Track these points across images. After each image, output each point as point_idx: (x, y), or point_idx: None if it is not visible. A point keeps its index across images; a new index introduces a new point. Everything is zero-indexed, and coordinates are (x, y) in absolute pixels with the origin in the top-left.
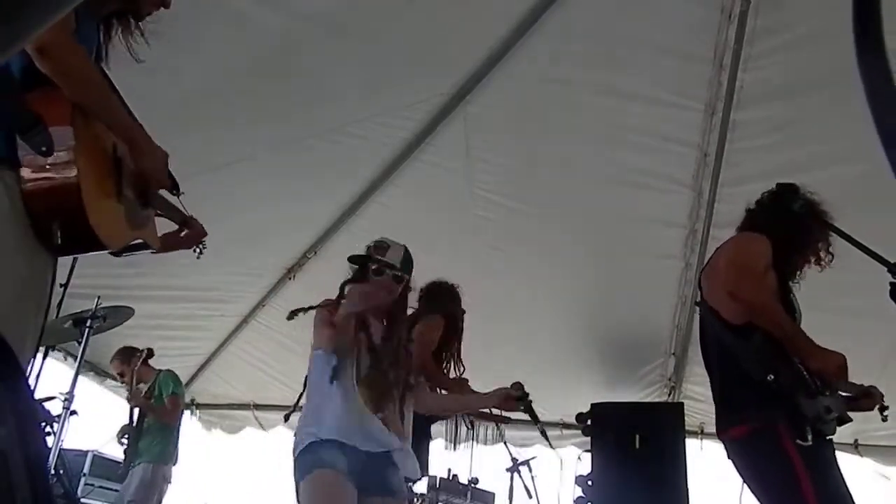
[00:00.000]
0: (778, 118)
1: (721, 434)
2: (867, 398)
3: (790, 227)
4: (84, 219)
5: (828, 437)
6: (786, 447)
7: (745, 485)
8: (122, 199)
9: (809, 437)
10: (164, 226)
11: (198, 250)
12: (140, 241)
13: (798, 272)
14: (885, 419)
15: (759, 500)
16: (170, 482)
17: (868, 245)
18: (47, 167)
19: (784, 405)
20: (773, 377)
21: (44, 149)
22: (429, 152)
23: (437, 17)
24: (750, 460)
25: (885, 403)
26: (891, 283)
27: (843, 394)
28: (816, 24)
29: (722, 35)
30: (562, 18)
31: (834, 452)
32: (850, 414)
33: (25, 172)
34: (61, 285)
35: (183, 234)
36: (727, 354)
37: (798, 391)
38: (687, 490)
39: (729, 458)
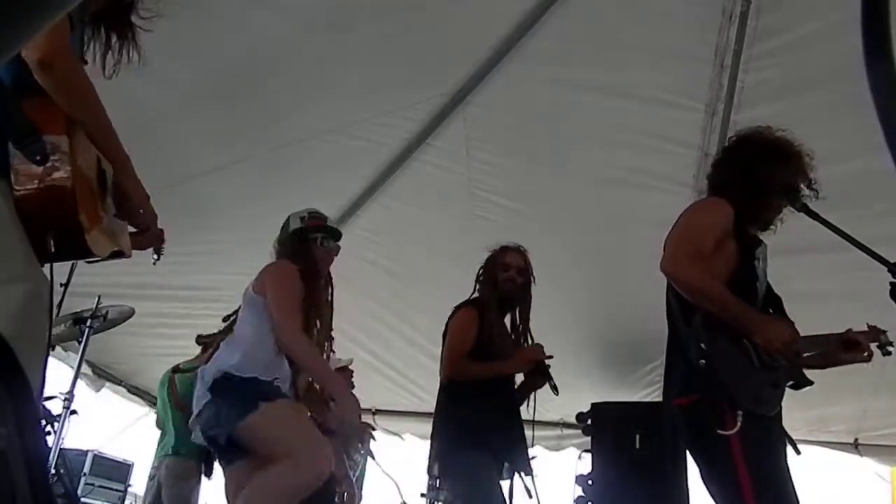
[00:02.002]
0: (779, 119)
1: (666, 402)
2: (851, 348)
3: (749, 182)
4: (78, 228)
5: (772, 415)
6: (724, 425)
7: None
8: (105, 207)
9: (739, 422)
10: None
11: (156, 257)
12: (117, 248)
13: (772, 223)
14: (888, 353)
15: (699, 471)
16: (179, 479)
17: (868, 245)
18: (42, 176)
19: (720, 388)
20: (704, 362)
21: (38, 158)
22: (429, 152)
23: (438, 17)
24: (691, 431)
25: (888, 339)
26: (891, 283)
27: (809, 354)
28: (817, 25)
29: (723, 36)
30: (562, 19)
31: (779, 430)
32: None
33: (19, 181)
34: (61, 285)
35: (142, 236)
36: (676, 328)
37: (733, 374)
38: (687, 490)
39: (674, 424)
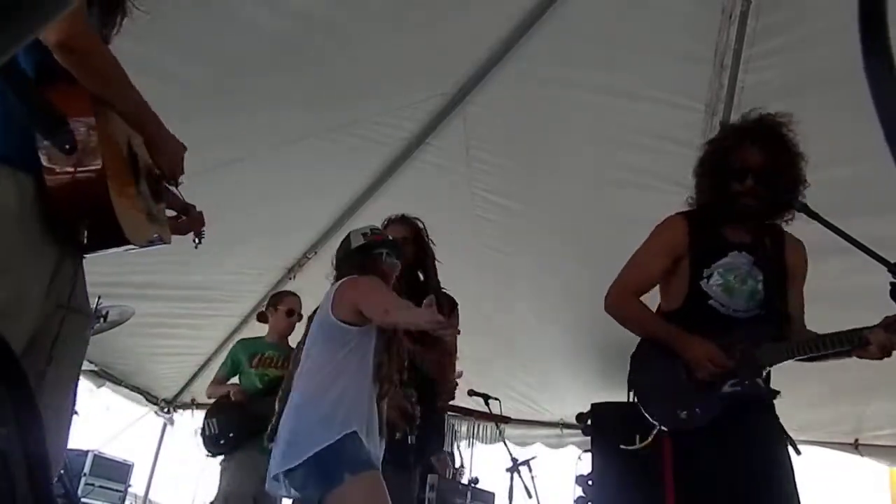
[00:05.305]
0: None
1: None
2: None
3: (704, 176)
4: (112, 215)
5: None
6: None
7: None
8: (140, 193)
9: (650, 439)
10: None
11: (197, 241)
12: (156, 235)
13: (747, 212)
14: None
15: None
16: None
17: (869, 246)
18: (72, 164)
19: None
20: (629, 387)
21: (67, 147)
22: (429, 152)
23: (438, 17)
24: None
25: None
26: (891, 283)
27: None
28: (817, 25)
29: (722, 35)
30: (562, 18)
31: (719, 445)
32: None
33: (48, 171)
34: None
35: (181, 220)
36: None
37: (650, 394)
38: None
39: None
